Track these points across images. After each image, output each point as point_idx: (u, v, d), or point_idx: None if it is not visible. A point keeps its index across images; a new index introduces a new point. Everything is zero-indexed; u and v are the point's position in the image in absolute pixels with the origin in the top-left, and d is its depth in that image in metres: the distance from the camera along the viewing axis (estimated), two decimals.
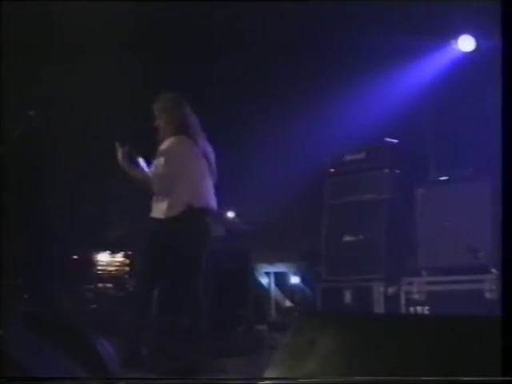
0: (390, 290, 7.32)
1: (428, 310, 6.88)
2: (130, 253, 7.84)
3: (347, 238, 7.80)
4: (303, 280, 8.88)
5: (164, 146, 5.23)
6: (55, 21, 7.28)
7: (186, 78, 8.48)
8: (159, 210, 5.18)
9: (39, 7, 7.01)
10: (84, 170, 8.38)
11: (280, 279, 8.88)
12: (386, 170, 7.72)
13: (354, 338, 2.29)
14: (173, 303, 5.42)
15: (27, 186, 8.11)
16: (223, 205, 9.28)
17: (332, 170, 8.18)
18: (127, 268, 7.90)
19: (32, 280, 7.79)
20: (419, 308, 6.96)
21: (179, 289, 5.19)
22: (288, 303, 8.89)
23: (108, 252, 7.97)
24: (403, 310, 6.94)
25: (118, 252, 7.96)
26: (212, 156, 5.47)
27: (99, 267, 8.01)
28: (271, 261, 8.83)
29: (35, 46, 7.74)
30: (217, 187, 5.50)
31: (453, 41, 8.07)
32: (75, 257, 8.17)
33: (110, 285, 7.81)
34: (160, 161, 5.17)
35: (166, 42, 8.14)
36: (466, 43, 7.95)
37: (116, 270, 7.95)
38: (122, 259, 7.91)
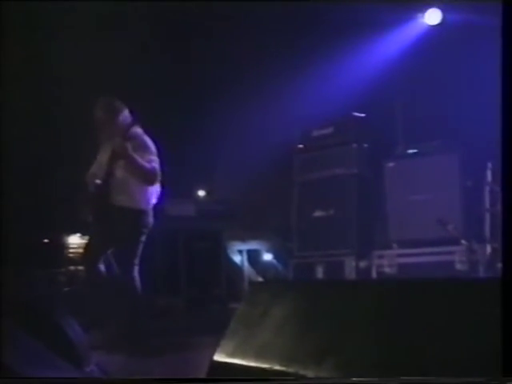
0: (362, 264, 7.38)
1: None
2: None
3: (318, 214, 7.84)
4: (275, 257, 8.91)
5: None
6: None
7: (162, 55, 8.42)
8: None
9: None
10: (55, 152, 8.28)
11: (252, 257, 8.88)
12: (355, 145, 7.74)
13: (305, 305, 2.34)
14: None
15: None
16: (194, 184, 9.29)
17: (300, 145, 8.20)
18: None
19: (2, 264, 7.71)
20: None
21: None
22: (261, 280, 8.89)
23: (78, 234, 7.89)
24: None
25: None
26: None
27: (70, 250, 7.95)
28: (243, 239, 8.82)
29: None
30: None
31: (420, 14, 8.11)
32: (46, 240, 8.10)
33: (81, 267, 7.76)
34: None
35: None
36: (432, 16, 8.00)
37: None
38: None
